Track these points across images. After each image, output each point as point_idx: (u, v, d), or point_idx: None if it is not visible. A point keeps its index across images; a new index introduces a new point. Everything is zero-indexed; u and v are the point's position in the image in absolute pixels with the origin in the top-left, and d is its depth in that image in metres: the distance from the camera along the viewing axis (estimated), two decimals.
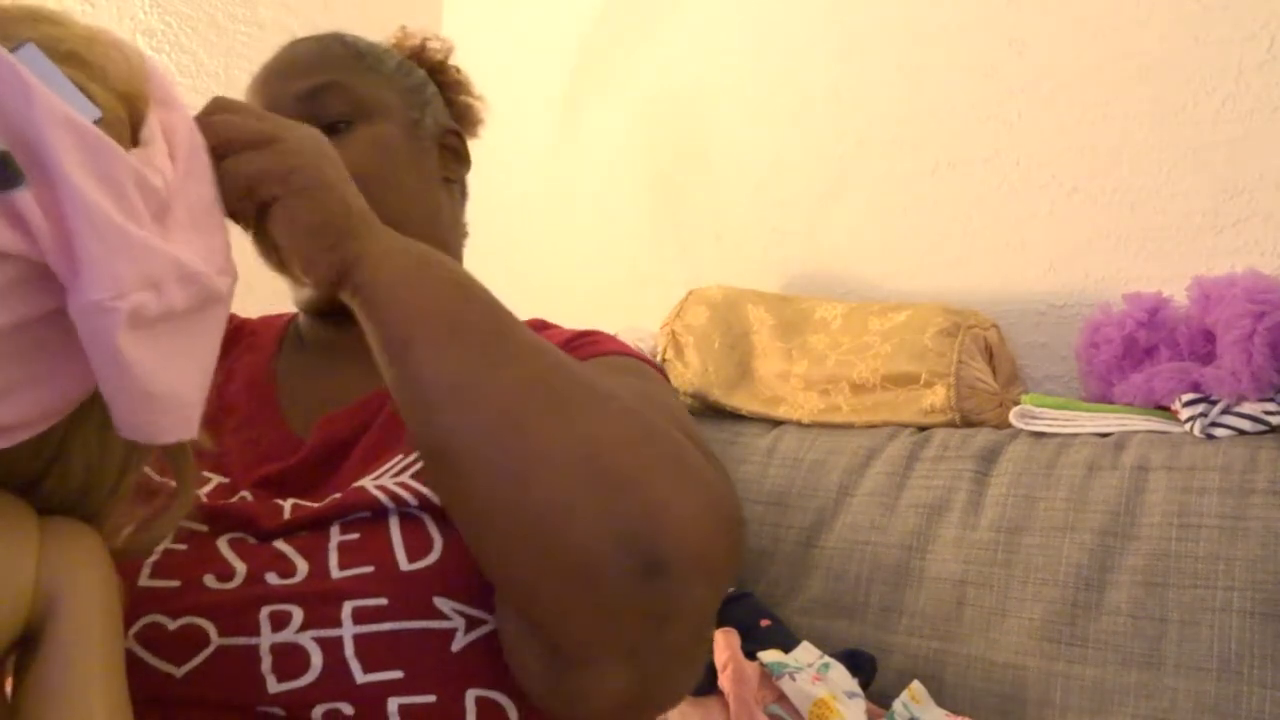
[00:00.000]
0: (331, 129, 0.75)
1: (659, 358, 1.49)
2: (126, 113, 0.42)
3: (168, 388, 0.39)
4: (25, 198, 0.35)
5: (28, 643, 0.42)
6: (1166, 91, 1.23)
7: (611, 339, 0.72)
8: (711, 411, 1.43)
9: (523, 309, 0.86)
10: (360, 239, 0.53)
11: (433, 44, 0.90)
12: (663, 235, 1.77)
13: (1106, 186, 1.28)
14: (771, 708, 0.97)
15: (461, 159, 0.87)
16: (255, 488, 0.64)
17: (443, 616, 0.56)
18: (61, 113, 0.36)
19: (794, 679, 0.99)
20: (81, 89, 0.39)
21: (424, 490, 0.60)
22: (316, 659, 0.53)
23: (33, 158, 0.36)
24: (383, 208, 0.75)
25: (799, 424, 1.34)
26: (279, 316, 0.86)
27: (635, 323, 1.60)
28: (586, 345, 0.69)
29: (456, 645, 0.55)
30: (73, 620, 0.42)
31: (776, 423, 1.36)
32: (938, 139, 1.42)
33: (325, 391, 0.72)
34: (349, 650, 0.54)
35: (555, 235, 1.93)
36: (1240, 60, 1.18)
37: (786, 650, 1.05)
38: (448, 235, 0.84)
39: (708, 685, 1.00)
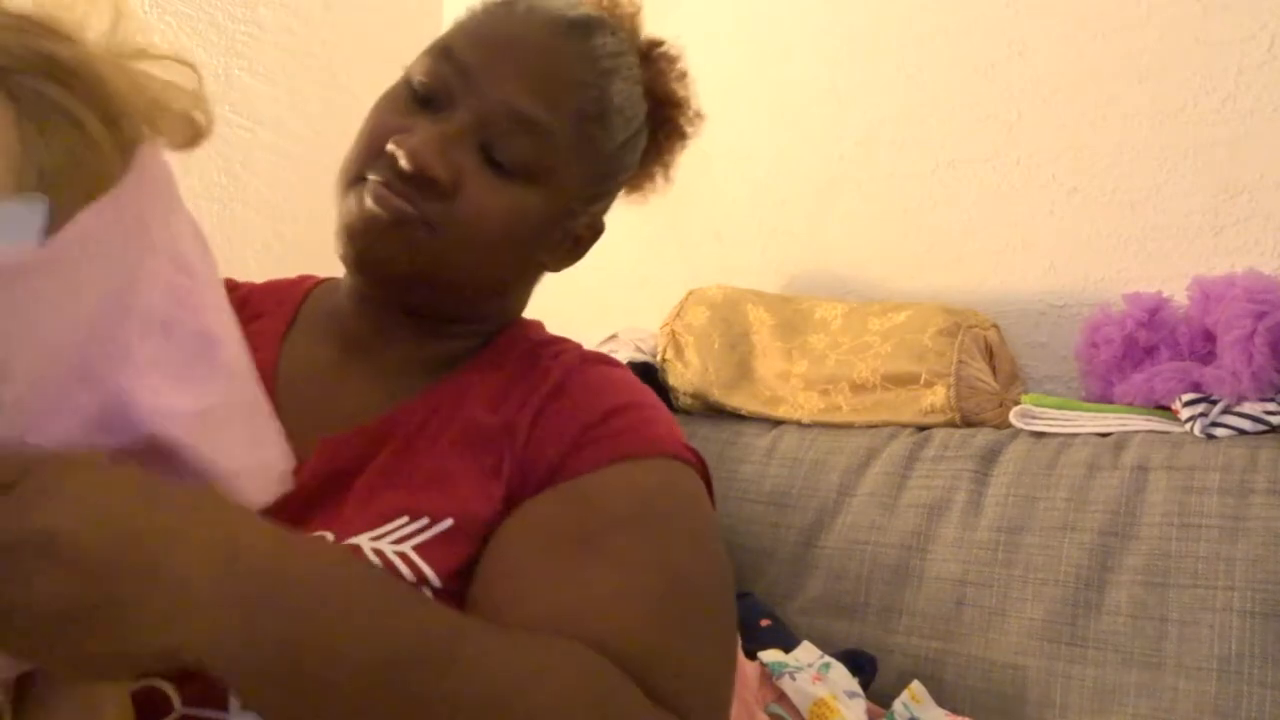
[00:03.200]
0: (488, 158, 0.63)
1: (659, 358, 1.49)
2: (113, 138, 0.41)
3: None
4: None
5: None
6: (1166, 91, 1.23)
7: (645, 431, 0.62)
8: (711, 411, 1.43)
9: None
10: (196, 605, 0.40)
11: (680, 82, 0.76)
12: (663, 235, 1.77)
13: (1106, 186, 1.28)
14: (772, 707, 0.97)
15: (577, 256, 0.77)
16: None
17: None
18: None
19: (794, 679, 0.99)
20: (69, 110, 0.39)
21: (425, 569, 0.54)
22: None
23: None
24: (458, 264, 0.64)
25: (799, 424, 1.34)
26: (297, 282, 0.73)
27: (635, 323, 1.60)
28: (605, 446, 0.60)
29: None
30: None
31: (776, 423, 1.36)
32: (938, 139, 1.42)
33: (335, 400, 0.63)
34: None
35: None
36: (1240, 60, 1.18)
37: (787, 650, 1.05)
38: (489, 305, 0.73)
39: None
